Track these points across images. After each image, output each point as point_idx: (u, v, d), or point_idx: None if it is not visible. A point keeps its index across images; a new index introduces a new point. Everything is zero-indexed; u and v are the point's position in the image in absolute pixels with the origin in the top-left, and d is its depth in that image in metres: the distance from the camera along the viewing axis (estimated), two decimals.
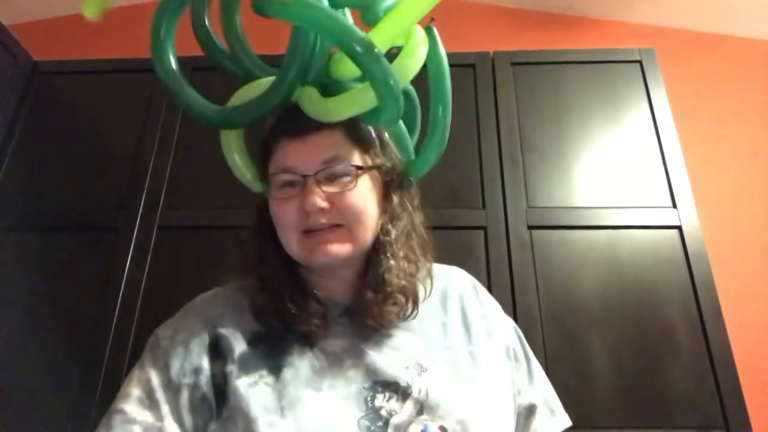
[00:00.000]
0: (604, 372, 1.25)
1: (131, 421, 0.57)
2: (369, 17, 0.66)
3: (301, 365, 0.62)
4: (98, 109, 1.66)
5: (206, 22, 0.78)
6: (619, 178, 1.47)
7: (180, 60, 1.48)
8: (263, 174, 0.71)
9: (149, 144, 1.56)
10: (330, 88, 0.69)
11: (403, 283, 0.66)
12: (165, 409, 0.58)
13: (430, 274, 0.71)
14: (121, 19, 2.34)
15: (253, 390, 0.59)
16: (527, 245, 1.38)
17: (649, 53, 1.63)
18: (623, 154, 1.50)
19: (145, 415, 0.57)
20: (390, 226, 0.68)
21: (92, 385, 1.27)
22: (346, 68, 0.67)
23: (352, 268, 0.69)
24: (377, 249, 0.67)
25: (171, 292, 1.40)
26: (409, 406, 0.59)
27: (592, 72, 1.61)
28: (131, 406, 0.58)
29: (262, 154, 0.72)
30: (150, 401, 0.59)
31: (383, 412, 0.58)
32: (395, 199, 0.70)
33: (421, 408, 0.59)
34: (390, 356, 0.64)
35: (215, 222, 1.46)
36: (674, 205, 1.41)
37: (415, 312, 0.67)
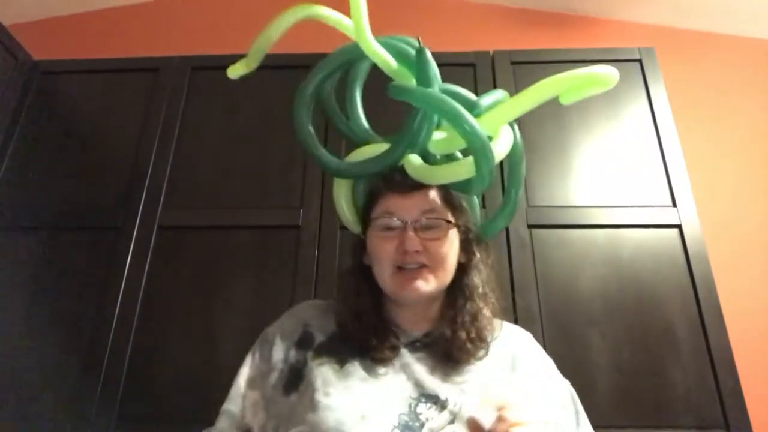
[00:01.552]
0: (604, 372, 1.25)
1: (243, 397, 0.80)
2: (473, 112, 0.83)
3: (363, 367, 0.77)
4: (98, 109, 1.66)
5: (334, 101, 0.98)
6: (619, 177, 1.47)
7: (181, 59, 1.51)
8: (365, 218, 0.88)
9: (149, 144, 1.56)
10: (426, 158, 0.88)
11: (489, 328, 0.81)
12: (261, 391, 0.79)
13: (500, 325, 0.86)
14: (121, 19, 2.34)
15: (320, 368, 0.76)
16: (527, 245, 1.38)
17: (649, 52, 1.63)
18: (623, 153, 1.50)
19: (252, 393, 0.80)
20: (477, 279, 0.84)
21: (92, 385, 1.27)
22: (443, 146, 0.88)
23: (431, 306, 0.84)
24: (467, 296, 0.82)
25: (171, 291, 1.40)
26: (444, 415, 0.71)
27: None
28: (244, 385, 0.81)
29: (366, 203, 0.89)
30: (253, 382, 0.80)
31: (422, 417, 0.70)
32: (477, 254, 0.86)
33: (454, 419, 0.70)
34: (440, 379, 0.76)
35: (215, 222, 1.46)
36: (674, 204, 1.41)
37: (485, 353, 0.80)
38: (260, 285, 1.38)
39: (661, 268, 1.35)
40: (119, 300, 1.36)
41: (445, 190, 0.86)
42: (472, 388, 0.75)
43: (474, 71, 1.61)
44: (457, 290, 0.83)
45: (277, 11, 0.90)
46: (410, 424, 0.69)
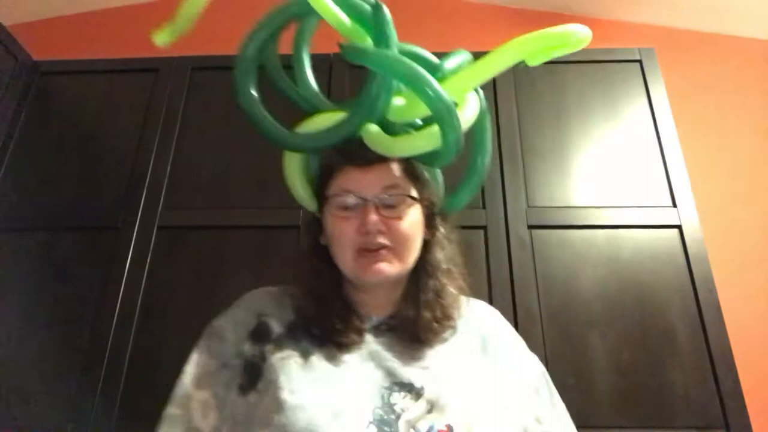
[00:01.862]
0: (604, 372, 1.25)
1: (189, 398, 0.71)
2: (436, 76, 0.75)
3: (328, 358, 0.70)
4: (98, 109, 1.66)
5: (277, 57, 0.89)
6: (619, 177, 1.47)
7: (181, 59, 1.52)
8: (321, 194, 0.80)
9: (149, 144, 1.56)
10: (385, 128, 0.80)
11: (454, 306, 0.77)
12: (212, 390, 0.70)
13: (467, 302, 0.82)
14: (121, 19, 2.34)
15: (283, 363, 0.69)
16: (527, 245, 1.38)
17: (649, 53, 1.63)
18: (623, 154, 1.50)
19: (200, 393, 0.71)
20: (439, 255, 0.79)
21: (92, 385, 1.27)
22: (404, 113, 0.80)
23: (395, 288, 0.78)
24: (429, 273, 0.78)
25: (171, 291, 1.40)
26: (420, 405, 0.66)
27: (592, 71, 1.61)
28: (190, 385, 0.72)
29: (321, 178, 0.81)
30: (201, 381, 0.72)
31: (397, 408, 0.65)
32: (441, 229, 0.81)
33: (432, 407, 0.66)
34: (409, 363, 0.71)
35: (215, 222, 1.46)
36: (674, 205, 1.41)
37: (452, 332, 0.76)
38: (260, 285, 1.37)
39: (661, 268, 1.35)
40: (119, 300, 1.36)
41: (408, 162, 0.79)
42: (446, 373, 0.71)
43: None
44: (420, 268, 0.78)
45: None
46: (385, 417, 0.64)
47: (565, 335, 1.29)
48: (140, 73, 1.68)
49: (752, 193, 1.87)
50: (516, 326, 1.29)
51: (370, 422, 0.63)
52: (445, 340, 0.75)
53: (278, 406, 0.64)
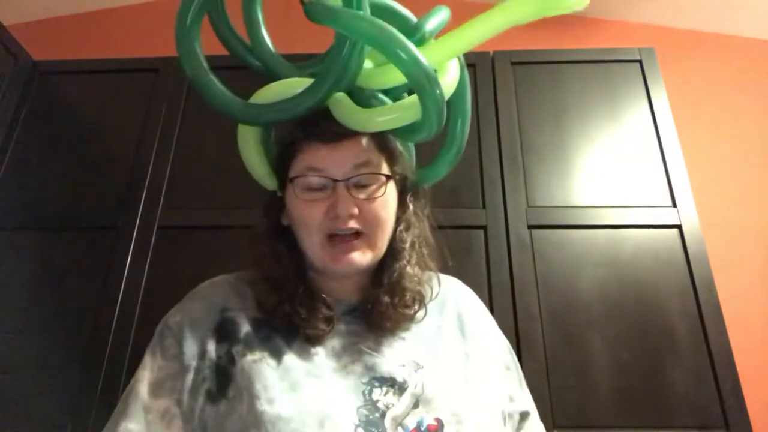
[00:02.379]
0: (604, 372, 1.25)
1: (147, 410, 0.61)
2: (415, 40, 0.67)
3: (301, 355, 0.64)
4: (98, 109, 1.65)
5: (227, 17, 0.77)
6: (619, 177, 1.47)
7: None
8: (282, 173, 0.72)
9: (149, 144, 1.56)
10: (354, 96, 0.70)
11: (417, 288, 0.70)
12: (173, 397, 0.62)
13: (437, 280, 0.75)
14: (121, 19, 2.34)
15: (255, 367, 0.62)
16: (527, 245, 1.38)
17: (649, 53, 1.63)
18: (623, 154, 1.50)
19: (159, 403, 0.62)
20: (405, 234, 0.71)
21: (92, 385, 1.27)
22: (377, 80, 0.70)
23: (364, 271, 0.71)
24: (393, 255, 0.70)
25: (171, 291, 1.39)
26: (405, 400, 0.61)
27: (592, 71, 1.61)
28: (146, 394, 0.62)
29: (282, 154, 0.73)
30: (160, 388, 0.62)
31: (380, 405, 0.60)
32: (410, 207, 0.73)
33: (417, 401, 0.61)
34: (387, 355, 0.66)
35: (215, 222, 1.46)
36: (674, 205, 1.41)
37: (423, 314, 0.70)
38: None
39: (661, 268, 1.34)
40: (119, 300, 1.36)
41: (380, 135, 0.70)
42: (427, 362, 0.65)
43: (474, 71, 1.60)
44: (387, 249, 0.71)
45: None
46: (371, 417, 0.58)
47: (565, 335, 1.29)
48: (140, 73, 1.68)
49: (752, 193, 1.87)
50: (516, 326, 1.29)
51: (356, 425, 0.58)
52: (418, 322, 0.70)
53: (255, 418, 0.58)
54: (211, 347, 0.64)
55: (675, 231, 1.39)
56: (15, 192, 1.52)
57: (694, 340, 1.27)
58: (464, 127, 0.77)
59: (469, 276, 1.27)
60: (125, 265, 1.40)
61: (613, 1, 2.16)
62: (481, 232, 1.40)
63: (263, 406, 0.58)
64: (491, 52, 1.64)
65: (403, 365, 0.64)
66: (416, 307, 0.70)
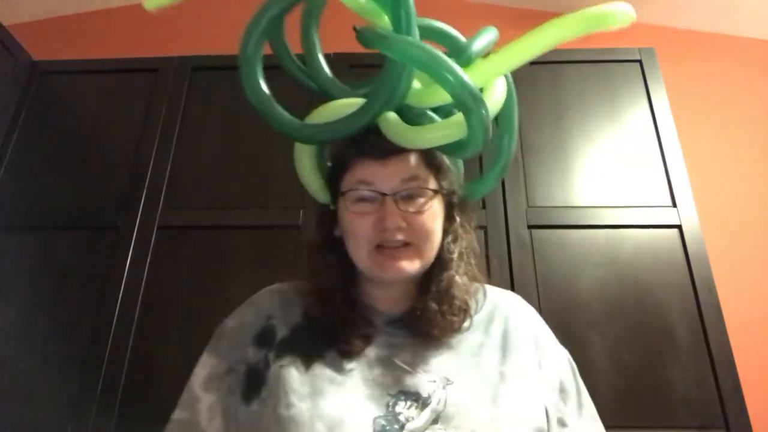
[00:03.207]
0: (604, 372, 1.25)
1: (197, 400, 0.69)
2: (462, 60, 0.71)
3: (333, 363, 0.67)
4: (98, 109, 1.66)
5: (286, 44, 0.84)
6: (619, 177, 1.47)
7: (181, 59, 1.50)
8: (334, 187, 0.76)
9: (149, 144, 1.56)
10: (404, 113, 0.74)
11: (465, 297, 0.72)
12: (218, 394, 0.69)
13: (483, 293, 0.76)
14: (121, 19, 2.34)
15: (283, 371, 0.66)
16: (527, 245, 1.38)
17: (649, 53, 1.63)
18: (623, 154, 1.50)
19: (207, 396, 0.69)
20: (453, 246, 0.74)
21: (92, 385, 1.27)
22: (425, 99, 0.74)
23: (412, 281, 0.73)
24: (442, 265, 0.73)
25: (171, 291, 1.40)
26: (425, 415, 0.62)
27: (592, 71, 1.61)
28: (198, 387, 0.70)
29: (335, 170, 0.76)
30: (209, 384, 0.70)
31: (401, 417, 0.62)
32: (458, 220, 0.76)
33: (437, 418, 0.62)
34: (419, 369, 0.67)
35: (215, 222, 1.46)
36: (674, 205, 1.41)
37: (468, 325, 0.72)
38: (260, 285, 1.37)
39: (661, 268, 1.34)
40: (119, 300, 1.36)
41: (428, 152, 0.74)
42: (457, 378, 0.66)
43: None
44: (435, 260, 0.73)
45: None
46: (387, 427, 0.61)
47: (565, 335, 1.27)
48: (140, 73, 1.68)
49: (752, 193, 1.87)
50: None
51: None
52: (460, 335, 0.71)
53: (275, 420, 0.62)
54: (251, 352, 0.70)
55: (675, 231, 1.39)
56: (15, 192, 1.52)
57: (694, 340, 1.27)
58: (511, 142, 0.82)
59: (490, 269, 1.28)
60: (125, 265, 1.40)
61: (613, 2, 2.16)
62: (481, 232, 1.40)
63: (282, 409, 0.62)
64: (491, 52, 1.64)
65: (434, 381, 0.65)
66: (462, 316, 0.71)
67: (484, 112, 0.66)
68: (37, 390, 1.28)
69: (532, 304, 1.30)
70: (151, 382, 1.29)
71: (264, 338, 0.71)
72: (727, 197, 1.85)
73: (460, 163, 0.85)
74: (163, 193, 1.50)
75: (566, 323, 1.30)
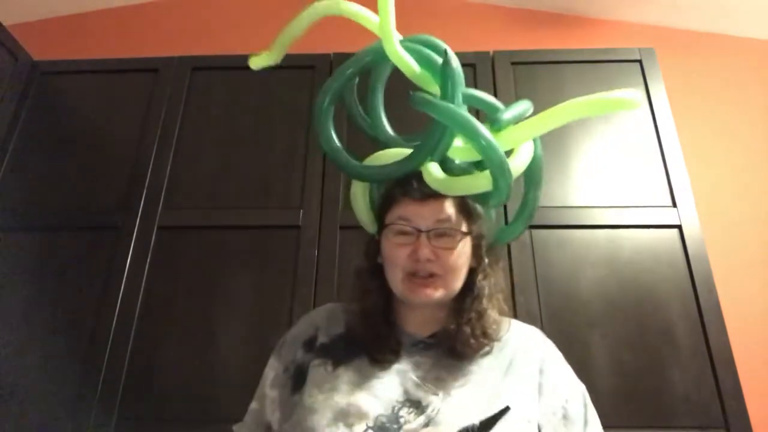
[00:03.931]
0: (604, 372, 1.25)
1: (264, 396, 0.85)
2: (494, 126, 0.87)
3: (358, 369, 0.79)
4: (98, 109, 1.66)
5: (355, 98, 1.01)
6: (619, 177, 1.47)
7: (181, 59, 1.50)
8: (380, 220, 0.89)
9: (149, 144, 1.56)
10: (445, 165, 0.89)
11: (493, 326, 0.83)
12: (278, 390, 0.84)
13: (508, 324, 0.88)
14: (121, 19, 2.34)
15: (314, 369, 0.80)
16: (527, 245, 1.38)
17: (649, 53, 1.63)
18: (623, 154, 1.50)
19: (272, 392, 0.85)
20: (484, 282, 0.86)
21: (92, 385, 1.27)
22: (462, 155, 0.90)
23: (440, 308, 0.85)
24: (474, 297, 0.84)
25: (171, 291, 1.40)
26: (420, 419, 0.73)
27: (592, 71, 1.61)
28: (266, 385, 0.86)
29: (382, 205, 0.90)
30: (274, 383, 0.85)
31: (401, 420, 0.72)
32: (486, 260, 0.88)
33: (429, 422, 0.72)
34: (429, 384, 0.77)
35: (215, 222, 1.46)
36: (674, 205, 1.41)
37: (489, 351, 0.82)
38: (260, 285, 1.38)
39: (661, 268, 1.35)
40: (119, 300, 1.36)
41: (462, 199, 0.87)
42: (456, 393, 0.76)
43: (474, 71, 1.61)
44: (466, 292, 0.85)
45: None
46: (387, 425, 0.71)
47: (565, 335, 1.29)
48: (140, 73, 1.68)
49: (752, 193, 1.87)
50: None
51: (370, 427, 0.71)
52: (475, 360, 0.80)
53: (301, 408, 0.76)
54: (300, 354, 0.84)
55: (675, 231, 1.39)
56: (15, 192, 1.53)
57: (694, 340, 1.27)
58: (536, 195, 0.97)
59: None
60: (125, 265, 1.40)
61: (613, 1, 2.16)
62: None
63: (306, 399, 0.77)
64: (491, 52, 1.64)
65: (437, 394, 0.76)
66: (488, 341, 0.82)
67: (507, 171, 0.81)
68: (37, 390, 1.28)
69: (532, 304, 1.32)
70: (151, 383, 1.29)
71: (310, 344, 0.85)
72: (727, 197, 1.85)
73: (493, 212, 0.98)
74: (163, 193, 1.50)
75: (566, 323, 1.30)
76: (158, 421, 1.26)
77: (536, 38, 2.18)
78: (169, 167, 1.53)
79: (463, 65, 1.72)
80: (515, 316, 1.29)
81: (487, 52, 1.65)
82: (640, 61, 1.62)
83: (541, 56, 1.65)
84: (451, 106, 0.83)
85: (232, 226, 1.46)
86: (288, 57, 0.93)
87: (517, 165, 0.86)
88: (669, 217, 1.40)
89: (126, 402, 1.26)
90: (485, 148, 0.80)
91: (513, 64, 1.62)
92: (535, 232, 1.40)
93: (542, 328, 1.28)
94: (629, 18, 2.20)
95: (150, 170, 1.53)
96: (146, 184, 1.50)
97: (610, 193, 1.45)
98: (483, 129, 0.80)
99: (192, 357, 1.31)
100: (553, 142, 1.51)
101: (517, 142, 0.88)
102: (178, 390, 1.28)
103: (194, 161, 1.55)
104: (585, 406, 0.84)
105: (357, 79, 0.99)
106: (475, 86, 1.58)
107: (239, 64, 0.91)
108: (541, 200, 1.43)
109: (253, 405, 0.86)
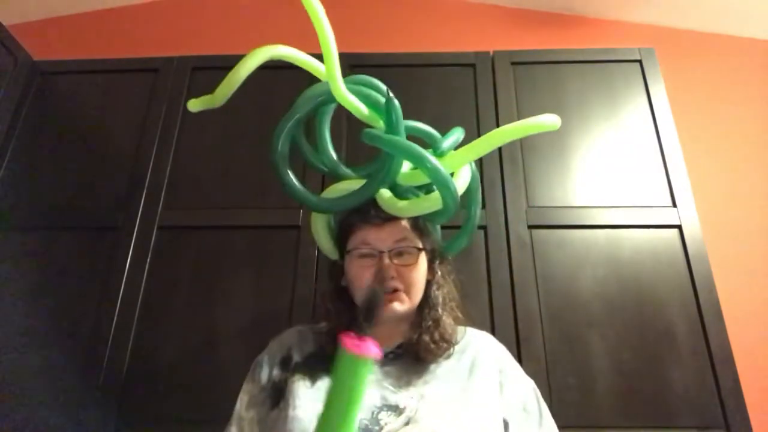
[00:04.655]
0: (604, 372, 1.25)
1: (242, 419, 0.89)
2: (436, 153, 0.99)
3: None
4: (98, 109, 1.65)
5: (303, 137, 1.11)
6: (619, 177, 1.47)
7: (181, 59, 1.49)
8: (342, 246, 0.98)
9: (149, 144, 1.56)
10: (395, 189, 0.99)
11: (450, 331, 0.92)
12: (256, 409, 0.89)
13: (463, 330, 0.97)
14: (121, 19, 2.34)
15: (294, 384, 0.86)
16: (527, 245, 1.38)
17: (649, 53, 1.63)
18: (623, 154, 1.50)
19: (248, 414, 0.89)
20: (438, 292, 0.96)
21: (92, 385, 1.27)
22: (410, 179, 1.00)
23: (403, 321, 0.93)
24: (430, 307, 0.94)
25: (171, 292, 1.40)
26: (400, 420, 0.80)
27: (592, 71, 1.61)
28: (242, 408, 0.90)
29: (342, 232, 1.00)
30: (250, 405, 0.90)
31: (382, 422, 0.79)
32: (439, 272, 0.98)
33: (408, 421, 0.79)
34: (402, 390, 0.85)
35: (215, 222, 1.46)
36: (674, 205, 1.41)
37: (450, 353, 0.91)
38: (260, 285, 1.38)
39: (661, 268, 1.35)
40: (119, 300, 1.36)
41: (414, 219, 0.97)
42: (429, 394, 0.83)
43: (474, 71, 1.61)
44: (423, 303, 0.94)
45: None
46: (369, 427, 0.78)
47: (565, 335, 1.29)
48: (140, 73, 1.68)
49: (752, 193, 1.87)
50: (516, 326, 1.29)
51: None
52: (440, 364, 0.89)
53: (285, 419, 0.81)
54: (275, 373, 0.91)
55: (675, 231, 1.39)
56: (15, 192, 1.52)
57: (694, 340, 1.27)
58: (476, 211, 1.10)
59: (469, 276, 1.28)
60: (125, 265, 1.40)
61: (613, 1, 2.16)
62: (482, 231, 1.40)
63: (290, 410, 0.82)
64: (491, 52, 1.64)
65: (412, 397, 0.83)
66: (447, 345, 0.90)
67: (453, 189, 0.90)
68: (37, 390, 1.28)
69: (532, 304, 1.32)
70: (151, 383, 1.29)
71: (286, 363, 0.92)
72: (727, 197, 1.85)
73: (438, 228, 1.11)
74: (163, 193, 1.50)
75: (566, 323, 1.30)
76: (158, 422, 1.26)
77: (536, 38, 2.18)
78: (169, 167, 1.53)
79: (463, 65, 1.74)
80: (515, 315, 1.30)
81: (487, 52, 1.65)
82: (640, 61, 1.62)
83: (541, 56, 1.65)
84: (398, 138, 0.93)
85: (232, 226, 1.46)
86: (317, 57, 0.96)
87: (460, 185, 0.97)
88: (669, 217, 1.40)
89: (126, 402, 1.26)
90: (432, 171, 0.89)
91: (513, 64, 1.62)
92: (535, 232, 1.40)
93: (542, 329, 1.29)
94: (629, 18, 2.20)
95: (150, 170, 1.53)
96: (146, 184, 1.50)
97: (610, 193, 1.45)
98: (428, 154, 0.90)
99: (192, 357, 1.31)
100: (553, 143, 1.51)
101: (457, 166, 0.99)
102: (178, 390, 1.28)
103: (194, 161, 1.55)
104: (537, 399, 0.93)
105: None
106: (475, 86, 1.58)
107: (230, 65, 0.95)
108: (542, 200, 1.46)
109: (231, 429, 0.89)
